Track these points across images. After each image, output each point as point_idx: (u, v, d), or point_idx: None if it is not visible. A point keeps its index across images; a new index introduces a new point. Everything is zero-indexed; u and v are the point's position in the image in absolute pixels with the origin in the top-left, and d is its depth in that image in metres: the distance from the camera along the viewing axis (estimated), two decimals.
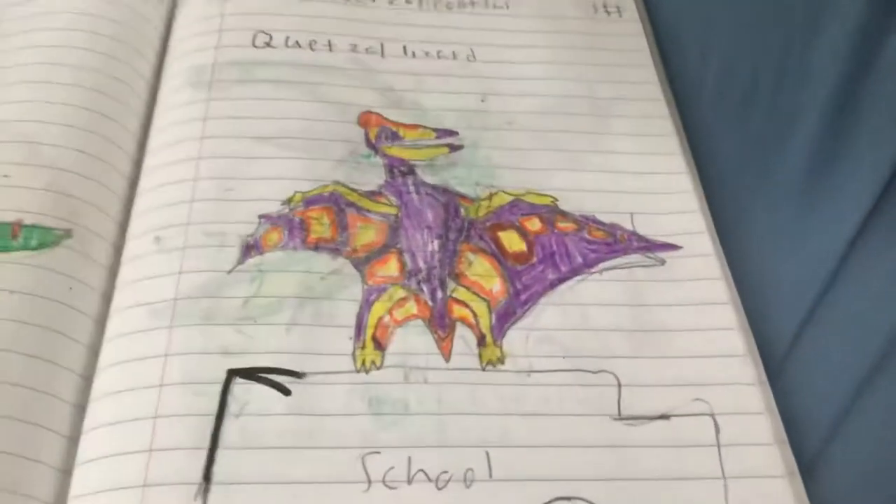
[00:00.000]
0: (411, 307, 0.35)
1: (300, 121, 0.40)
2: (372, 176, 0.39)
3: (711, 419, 0.32)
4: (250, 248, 0.36)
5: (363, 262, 0.36)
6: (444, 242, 0.37)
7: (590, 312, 0.35)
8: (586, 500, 0.30)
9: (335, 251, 0.36)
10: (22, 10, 0.43)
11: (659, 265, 0.37)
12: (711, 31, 0.41)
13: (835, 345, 0.31)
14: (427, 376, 0.33)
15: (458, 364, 0.33)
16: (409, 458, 0.31)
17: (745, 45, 0.37)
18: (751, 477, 0.31)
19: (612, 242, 0.37)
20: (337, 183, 0.38)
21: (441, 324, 0.34)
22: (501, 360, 0.33)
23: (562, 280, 0.36)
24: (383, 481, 0.30)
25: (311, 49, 0.43)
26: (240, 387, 0.32)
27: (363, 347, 0.33)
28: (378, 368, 0.33)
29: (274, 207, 0.37)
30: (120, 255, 0.36)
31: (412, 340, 0.34)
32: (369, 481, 0.30)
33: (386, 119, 0.41)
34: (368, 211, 0.37)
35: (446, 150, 0.40)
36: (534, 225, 0.38)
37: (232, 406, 0.31)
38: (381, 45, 0.44)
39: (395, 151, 0.40)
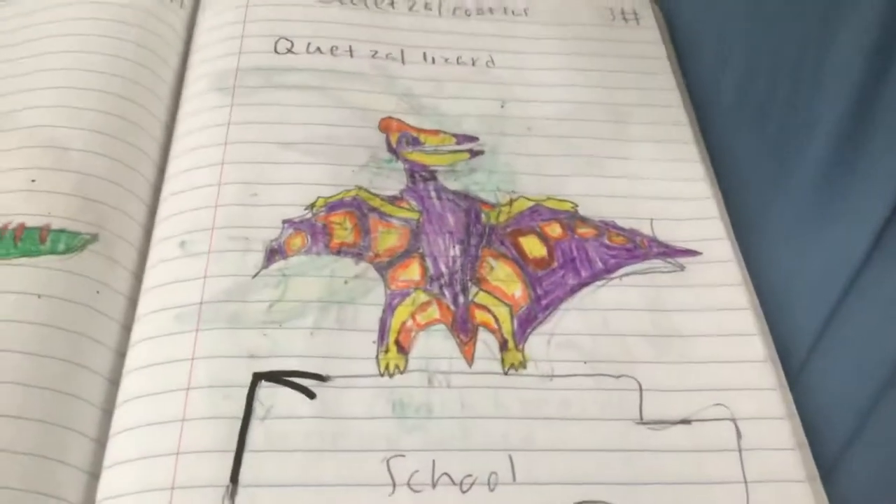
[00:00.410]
0: (434, 311, 0.35)
1: (322, 126, 0.40)
2: (393, 181, 0.39)
3: (732, 424, 0.33)
4: (274, 253, 0.36)
5: (385, 266, 0.36)
6: (466, 247, 0.37)
7: (610, 317, 0.35)
8: None
9: (358, 256, 0.36)
10: (48, 14, 0.43)
11: (679, 271, 0.37)
12: (729, 39, 0.41)
13: (854, 349, 0.31)
14: (450, 380, 0.33)
15: (481, 368, 0.34)
16: (434, 462, 0.31)
17: (763, 52, 0.37)
18: (772, 481, 0.31)
19: (633, 248, 0.38)
20: (359, 188, 0.38)
21: (463, 328, 0.35)
22: (523, 365, 0.34)
23: (582, 285, 0.36)
24: (408, 484, 0.30)
25: (333, 55, 0.44)
26: (265, 390, 0.32)
27: (386, 351, 0.33)
28: (401, 372, 0.33)
29: (297, 212, 0.37)
30: (145, 259, 0.36)
31: (435, 345, 0.34)
32: (394, 484, 0.30)
33: (406, 124, 0.41)
34: (390, 216, 0.38)
35: (466, 155, 0.41)
36: (554, 230, 0.38)
37: (258, 409, 0.31)
38: (402, 52, 0.45)
39: (416, 157, 0.40)
